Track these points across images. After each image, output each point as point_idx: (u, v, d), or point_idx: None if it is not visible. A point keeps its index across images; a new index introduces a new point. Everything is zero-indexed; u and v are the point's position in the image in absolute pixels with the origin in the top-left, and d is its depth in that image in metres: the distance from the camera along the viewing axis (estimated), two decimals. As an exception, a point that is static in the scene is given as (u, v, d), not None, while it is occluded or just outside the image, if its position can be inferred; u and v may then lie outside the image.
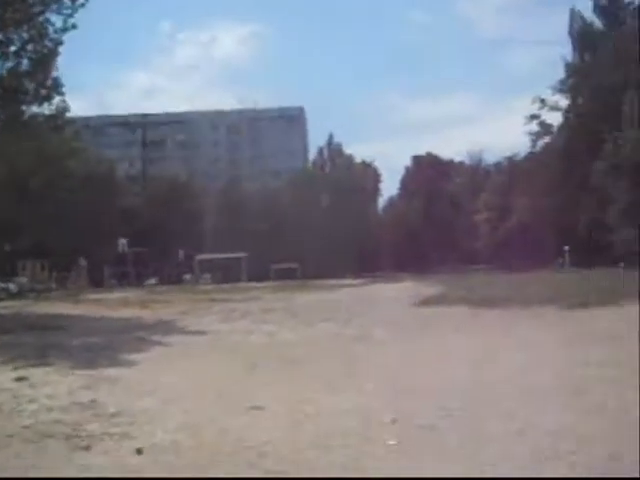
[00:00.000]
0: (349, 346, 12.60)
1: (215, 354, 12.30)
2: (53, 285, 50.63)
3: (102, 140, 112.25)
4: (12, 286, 45.50)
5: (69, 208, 69.46)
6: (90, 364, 11.16)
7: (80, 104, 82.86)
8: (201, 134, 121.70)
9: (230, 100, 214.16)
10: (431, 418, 6.75)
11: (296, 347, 12.70)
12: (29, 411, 7.65)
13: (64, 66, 25.65)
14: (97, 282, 65.37)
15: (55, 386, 9.12)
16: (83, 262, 60.97)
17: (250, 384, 8.99)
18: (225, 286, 51.21)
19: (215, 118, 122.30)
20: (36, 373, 10.17)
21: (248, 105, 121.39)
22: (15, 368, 10.68)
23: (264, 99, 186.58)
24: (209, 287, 53.62)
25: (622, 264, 38.76)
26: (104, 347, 13.44)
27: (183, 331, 16.63)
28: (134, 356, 12.04)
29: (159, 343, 14.19)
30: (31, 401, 8.13)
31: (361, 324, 16.55)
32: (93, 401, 8.06)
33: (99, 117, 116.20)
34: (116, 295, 38.15)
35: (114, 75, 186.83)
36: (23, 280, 47.02)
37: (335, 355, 11.53)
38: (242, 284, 55.16)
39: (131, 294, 39.32)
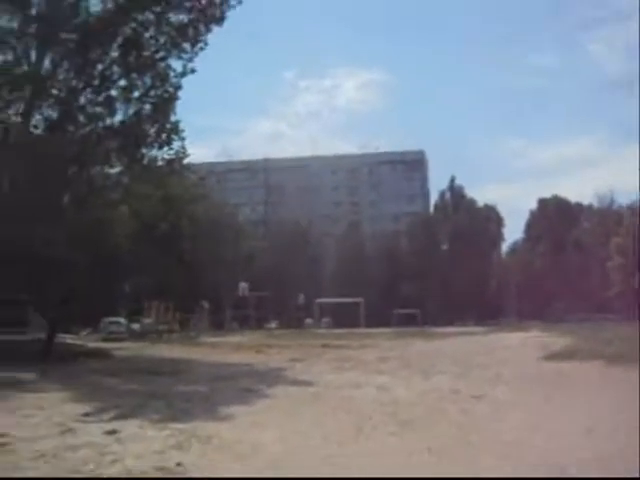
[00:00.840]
0: (467, 407, 11.34)
1: (320, 411, 11.37)
2: (176, 326, 51.50)
3: (226, 186, 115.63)
4: (136, 326, 46.65)
5: (193, 252, 71.35)
6: (188, 416, 10.55)
7: (203, 151, 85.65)
8: (321, 179, 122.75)
9: (350, 146, 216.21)
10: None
11: (408, 406, 11.58)
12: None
13: (185, 112, 26.04)
14: (218, 325, 66.61)
15: (145, 444, 8.48)
16: (205, 305, 62.05)
17: (357, 451, 8.00)
18: (342, 331, 50.63)
19: (335, 163, 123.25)
20: (129, 426, 9.60)
21: (369, 150, 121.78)
22: (110, 419, 10.20)
23: (385, 145, 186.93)
24: (327, 332, 53.15)
25: None
26: (205, 397, 12.83)
27: (291, 381, 15.85)
28: (234, 409, 11.33)
29: (264, 395, 13.46)
30: (114, 461, 7.48)
31: (481, 377, 15.21)
32: (179, 465, 7.32)
33: (222, 163, 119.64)
34: (234, 339, 38.27)
35: (237, 123, 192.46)
36: (148, 320, 48.02)
37: (451, 418, 10.32)
38: (359, 330, 54.36)
39: (248, 338, 39.40)
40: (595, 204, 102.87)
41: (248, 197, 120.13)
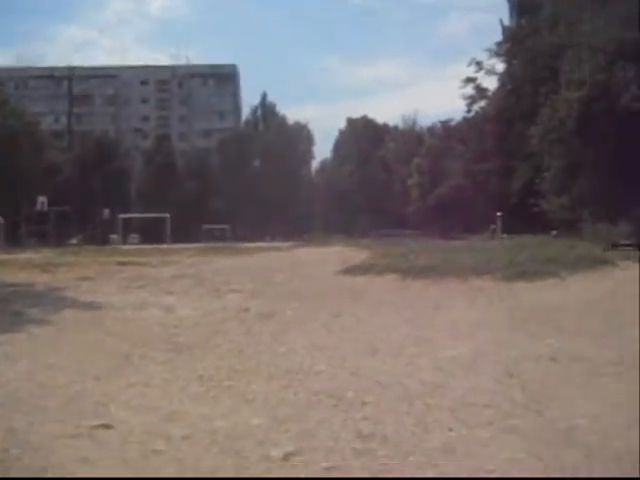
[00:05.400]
0: (252, 327, 10.60)
1: (91, 338, 10.10)
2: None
3: (26, 93, 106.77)
4: None
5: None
6: None
7: (3, 58, 77.82)
8: (130, 90, 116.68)
9: (162, 56, 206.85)
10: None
11: (189, 328, 10.63)
12: None
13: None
14: (15, 241, 62.27)
15: None
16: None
17: (111, 388, 6.88)
18: (147, 247, 48.77)
19: (145, 73, 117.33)
20: None
21: (180, 62, 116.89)
22: None
23: (197, 57, 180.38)
24: (131, 248, 51.05)
25: (555, 232, 37.89)
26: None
27: (69, 303, 14.29)
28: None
29: (33, 320, 11.93)
30: None
31: (276, 296, 14.60)
32: None
33: (23, 69, 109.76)
34: (24, 256, 35.27)
35: (43, 28, 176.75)
36: None
37: (232, 340, 9.49)
38: (165, 246, 52.79)
39: (42, 255, 36.46)
40: (400, 125, 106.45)
41: (51, 106, 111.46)
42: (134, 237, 75.82)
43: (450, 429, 5.23)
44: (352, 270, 19.47)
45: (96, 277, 21.16)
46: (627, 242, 25.43)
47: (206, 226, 77.23)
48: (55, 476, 4.42)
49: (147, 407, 6.08)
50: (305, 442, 4.97)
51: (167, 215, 66.38)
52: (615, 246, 23.06)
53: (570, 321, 10.25)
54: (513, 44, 59.51)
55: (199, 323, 11.11)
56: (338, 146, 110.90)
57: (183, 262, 28.54)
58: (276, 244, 50.09)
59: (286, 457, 4.65)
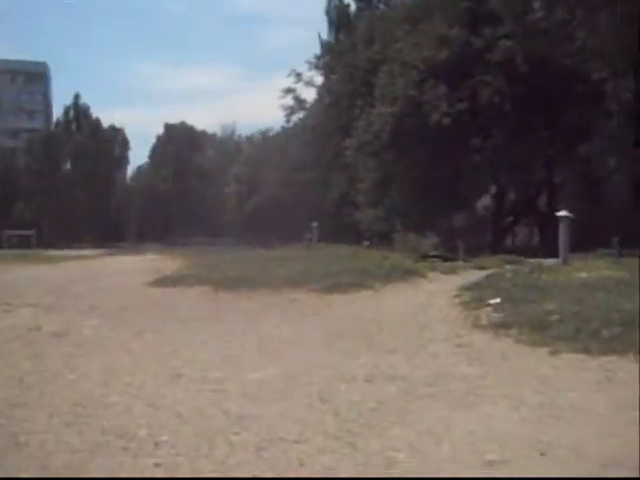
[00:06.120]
0: (41, 349, 9.36)
1: None
2: None
3: None
4: None
5: None
6: None
7: None
8: None
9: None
10: None
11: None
12: None
13: None
14: None
15: None
16: None
17: None
18: None
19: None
20: None
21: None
22: None
23: (5, 53, 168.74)
24: None
25: (367, 242, 38.74)
26: None
27: None
28: None
29: None
30: None
31: (74, 311, 13.29)
32: None
33: None
34: None
35: None
36: None
37: (13, 365, 8.23)
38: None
39: None
40: (219, 133, 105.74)
41: None
42: None
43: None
44: (162, 281, 18.44)
45: None
46: (435, 253, 26.37)
47: (8, 232, 71.79)
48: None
49: None
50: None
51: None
52: (424, 257, 23.74)
53: (384, 336, 9.99)
54: (331, 58, 60.67)
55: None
56: (155, 151, 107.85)
57: (-25, 271, 25.97)
58: (85, 252, 47.38)
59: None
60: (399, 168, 37.50)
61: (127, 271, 24.22)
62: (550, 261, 19.07)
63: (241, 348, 9.31)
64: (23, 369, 8.00)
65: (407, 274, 16.76)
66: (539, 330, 9.37)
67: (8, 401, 6.53)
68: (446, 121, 32.96)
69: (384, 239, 36.21)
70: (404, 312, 12.03)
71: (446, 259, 24.21)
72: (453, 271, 18.18)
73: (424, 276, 16.72)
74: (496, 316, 10.77)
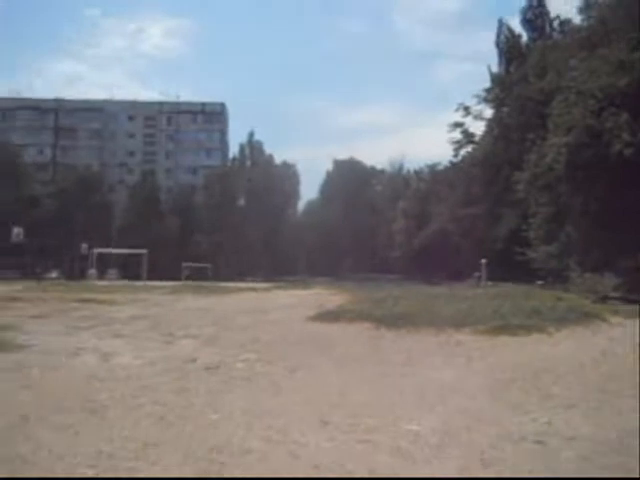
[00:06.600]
0: (191, 383, 9.12)
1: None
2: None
3: (12, 125, 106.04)
4: None
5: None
6: None
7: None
8: (117, 124, 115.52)
9: (151, 93, 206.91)
10: None
11: (118, 382, 9.12)
12: None
13: None
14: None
15: None
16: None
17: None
18: (122, 284, 47.26)
19: (133, 108, 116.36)
20: None
21: (169, 98, 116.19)
22: None
23: (186, 94, 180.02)
24: (108, 284, 49.39)
25: (541, 282, 36.69)
26: None
27: (4, 346, 12.78)
28: None
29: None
30: None
31: (232, 344, 13.13)
32: None
33: (9, 99, 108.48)
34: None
35: (34, 62, 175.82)
36: None
37: (157, 401, 7.99)
38: (141, 283, 51.17)
39: (6, 288, 34.80)
40: (388, 168, 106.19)
41: (36, 138, 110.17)
42: (112, 273, 74.29)
43: None
44: (324, 316, 18.05)
45: (49, 315, 19.72)
46: (616, 295, 24.26)
47: (186, 264, 75.54)
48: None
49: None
50: None
51: (144, 251, 64.70)
52: (604, 299, 21.85)
53: (558, 387, 8.85)
54: (501, 90, 59.08)
55: (132, 375, 9.59)
56: (325, 187, 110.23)
57: (150, 300, 27.12)
58: (256, 285, 48.66)
59: None
60: (575, 202, 35.19)
61: (291, 304, 24.18)
62: None
63: (398, 394, 8.56)
64: (167, 405, 7.73)
65: (585, 317, 15.29)
66: None
67: (144, 440, 6.21)
68: (628, 151, 30.52)
69: (558, 279, 34.10)
70: (582, 360, 10.74)
71: (629, 302, 22.10)
72: (638, 315, 16.39)
73: (605, 320, 15.16)
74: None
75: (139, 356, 11.53)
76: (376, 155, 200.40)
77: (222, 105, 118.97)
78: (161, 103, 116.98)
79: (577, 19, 48.05)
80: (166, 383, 9.02)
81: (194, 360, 11.09)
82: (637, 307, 18.93)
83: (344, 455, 5.78)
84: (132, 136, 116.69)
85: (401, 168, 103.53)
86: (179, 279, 61.47)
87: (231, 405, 7.73)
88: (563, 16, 60.86)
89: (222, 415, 7.24)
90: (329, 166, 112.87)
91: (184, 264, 75.09)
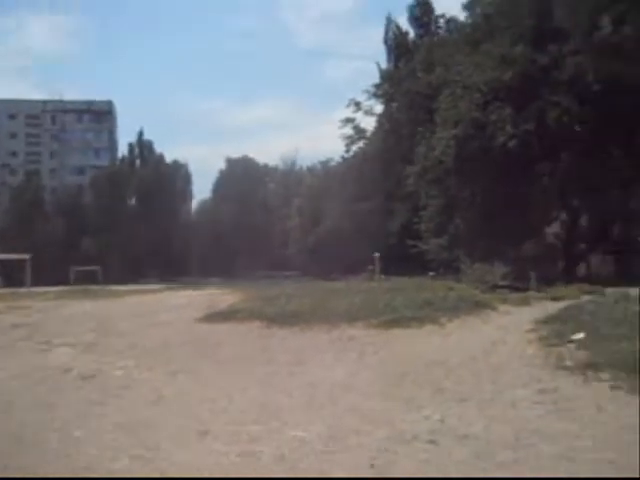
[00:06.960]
0: (60, 396, 8.31)
1: None
2: None
3: None
4: None
5: None
6: None
7: None
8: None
9: (33, 91, 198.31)
10: None
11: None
12: None
13: None
14: None
15: None
16: None
17: None
18: (4, 291, 44.67)
19: (14, 107, 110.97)
20: None
21: (53, 97, 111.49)
22: None
23: (72, 93, 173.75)
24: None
25: (432, 273, 37.17)
26: None
27: None
28: None
29: None
30: None
31: (112, 350, 12.30)
32: None
33: None
34: None
35: None
36: None
37: (21, 421, 7.16)
38: (24, 289, 48.57)
39: None
40: (280, 166, 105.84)
41: None
42: (-8, 280, 70.37)
43: None
44: (214, 316, 17.36)
45: None
46: (504, 284, 24.71)
47: (75, 267, 72.55)
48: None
49: None
50: None
51: (26, 256, 61.48)
52: (493, 288, 22.16)
53: (451, 381, 8.59)
54: (390, 85, 59.76)
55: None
56: (217, 186, 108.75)
57: (33, 307, 25.51)
58: (147, 287, 47.15)
59: None
60: (463, 194, 35.90)
61: (181, 305, 23.26)
62: (634, 291, 17.26)
63: (285, 396, 8.06)
64: (25, 422, 6.91)
65: (476, 306, 15.28)
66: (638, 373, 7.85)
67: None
68: (512, 143, 31.30)
69: (450, 269, 34.63)
70: (474, 351, 10.58)
71: (517, 290, 22.53)
72: (526, 303, 16.58)
73: (494, 309, 15.22)
74: (582, 355, 9.27)
75: (8, 367, 10.54)
76: (270, 153, 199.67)
77: (110, 103, 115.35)
78: (45, 102, 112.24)
79: (462, 16, 49.05)
80: (34, 397, 8.16)
81: (69, 370, 10.23)
82: (524, 295, 19.32)
83: (221, 470, 5.22)
84: (14, 136, 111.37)
85: (294, 165, 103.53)
86: (67, 284, 58.87)
87: (101, 419, 7.01)
88: (448, 14, 62.06)
89: (86, 432, 6.50)
90: (222, 165, 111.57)
91: (72, 268, 72.15)
